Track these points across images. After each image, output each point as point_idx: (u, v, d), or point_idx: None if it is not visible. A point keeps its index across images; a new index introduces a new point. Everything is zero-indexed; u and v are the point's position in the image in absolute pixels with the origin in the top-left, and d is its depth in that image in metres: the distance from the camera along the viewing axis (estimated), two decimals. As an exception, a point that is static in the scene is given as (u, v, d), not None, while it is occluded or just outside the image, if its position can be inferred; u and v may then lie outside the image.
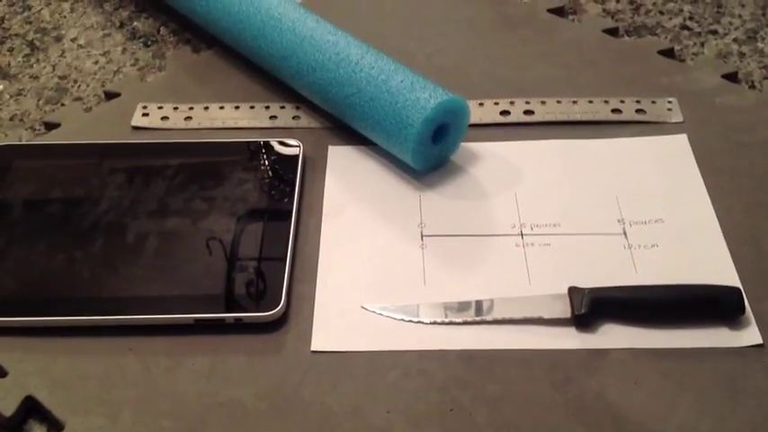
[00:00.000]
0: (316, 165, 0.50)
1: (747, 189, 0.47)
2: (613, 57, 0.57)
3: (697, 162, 0.49)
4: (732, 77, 0.55)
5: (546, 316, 0.41)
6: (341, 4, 0.62)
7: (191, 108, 0.54)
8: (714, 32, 0.61)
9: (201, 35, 0.61)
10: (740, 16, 0.62)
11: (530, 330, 0.41)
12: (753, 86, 0.56)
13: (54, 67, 0.60)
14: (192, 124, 0.53)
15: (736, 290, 0.41)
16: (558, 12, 0.62)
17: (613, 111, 0.52)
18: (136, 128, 0.53)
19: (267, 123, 0.53)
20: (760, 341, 0.40)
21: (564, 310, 0.41)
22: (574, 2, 0.64)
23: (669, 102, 0.53)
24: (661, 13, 0.63)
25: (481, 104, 0.53)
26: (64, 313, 0.42)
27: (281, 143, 0.51)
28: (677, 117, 0.52)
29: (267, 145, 0.50)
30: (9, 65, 0.61)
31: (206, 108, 0.54)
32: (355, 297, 0.43)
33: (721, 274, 0.43)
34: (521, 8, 0.62)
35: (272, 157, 0.50)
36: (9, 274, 0.43)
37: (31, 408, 0.40)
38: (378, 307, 0.42)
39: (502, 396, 0.39)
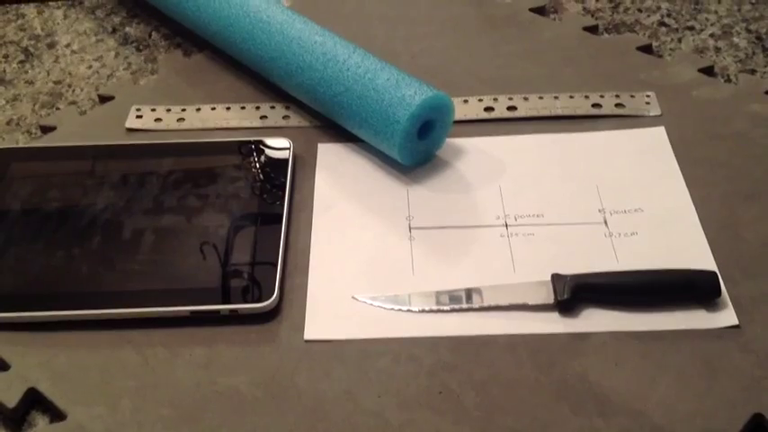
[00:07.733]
0: (306, 162, 0.52)
1: (723, 178, 0.49)
2: (593, 53, 0.59)
3: (675, 153, 0.51)
4: (708, 71, 0.57)
5: (530, 302, 0.43)
6: (327, 6, 0.64)
7: (183, 110, 0.56)
8: (691, 28, 0.62)
9: (192, 39, 0.63)
10: (716, 12, 0.64)
11: (515, 316, 0.43)
12: (728, 80, 0.57)
13: (48, 72, 0.61)
14: (185, 125, 0.55)
15: (713, 274, 0.42)
16: (540, 11, 0.64)
17: (593, 105, 0.54)
18: (130, 130, 0.54)
19: (258, 123, 0.55)
20: (736, 322, 0.42)
21: (547, 297, 0.43)
22: (555, 1, 0.65)
23: (647, 96, 0.55)
24: (639, 10, 0.64)
25: (465, 101, 0.55)
26: (64, 308, 0.43)
27: (272, 142, 0.52)
28: (655, 110, 0.54)
29: (258, 144, 0.52)
30: (4, 71, 0.62)
31: (198, 109, 0.56)
32: (346, 288, 0.44)
33: (698, 260, 0.44)
34: (503, 8, 0.64)
35: (264, 156, 0.51)
36: (11, 272, 0.45)
37: (33, 399, 0.41)
38: (368, 297, 0.44)
39: (489, 379, 0.40)
